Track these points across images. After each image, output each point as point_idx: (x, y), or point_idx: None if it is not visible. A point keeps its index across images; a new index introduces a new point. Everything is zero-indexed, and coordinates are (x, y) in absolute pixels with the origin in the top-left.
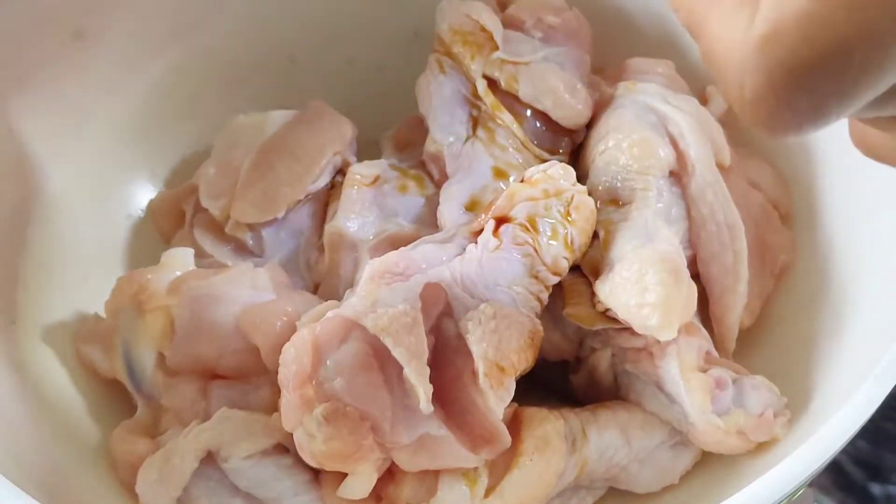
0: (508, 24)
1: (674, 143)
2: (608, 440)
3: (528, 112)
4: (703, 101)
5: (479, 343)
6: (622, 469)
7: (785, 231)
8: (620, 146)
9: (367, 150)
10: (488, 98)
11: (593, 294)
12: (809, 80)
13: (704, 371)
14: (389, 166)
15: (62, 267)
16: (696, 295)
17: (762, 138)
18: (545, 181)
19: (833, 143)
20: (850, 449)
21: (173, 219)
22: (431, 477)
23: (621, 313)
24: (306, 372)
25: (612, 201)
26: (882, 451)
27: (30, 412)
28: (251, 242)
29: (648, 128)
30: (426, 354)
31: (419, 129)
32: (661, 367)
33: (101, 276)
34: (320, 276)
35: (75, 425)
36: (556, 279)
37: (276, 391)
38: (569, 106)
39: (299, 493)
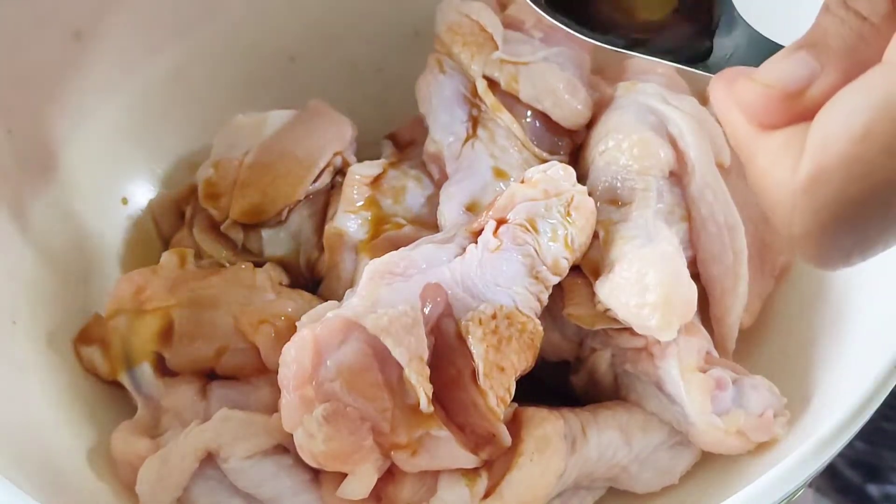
0: (508, 24)
1: (674, 144)
2: (608, 440)
3: (528, 112)
4: (703, 101)
5: (479, 343)
6: (622, 469)
7: None
8: (620, 146)
9: (367, 150)
10: (488, 98)
11: (593, 294)
12: (854, 220)
13: (704, 371)
14: (389, 166)
15: (62, 267)
16: (696, 295)
17: None
18: (545, 182)
19: None
20: (847, 450)
21: (173, 219)
22: (431, 477)
23: (621, 313)
24: (306, 372)
25: (613, 201)
26: (880, 451)
27: (30, 412)
28: (250, 242)
29: (648, 128)
30: (426, 354)
31: (419, 128)
32: (661, 368)
33: (101, 276)
34: (320, 276)
35: (75, 425)
36: (556, 279)
37: (276, 391)
38: (569, 106)
39: (299, 494)
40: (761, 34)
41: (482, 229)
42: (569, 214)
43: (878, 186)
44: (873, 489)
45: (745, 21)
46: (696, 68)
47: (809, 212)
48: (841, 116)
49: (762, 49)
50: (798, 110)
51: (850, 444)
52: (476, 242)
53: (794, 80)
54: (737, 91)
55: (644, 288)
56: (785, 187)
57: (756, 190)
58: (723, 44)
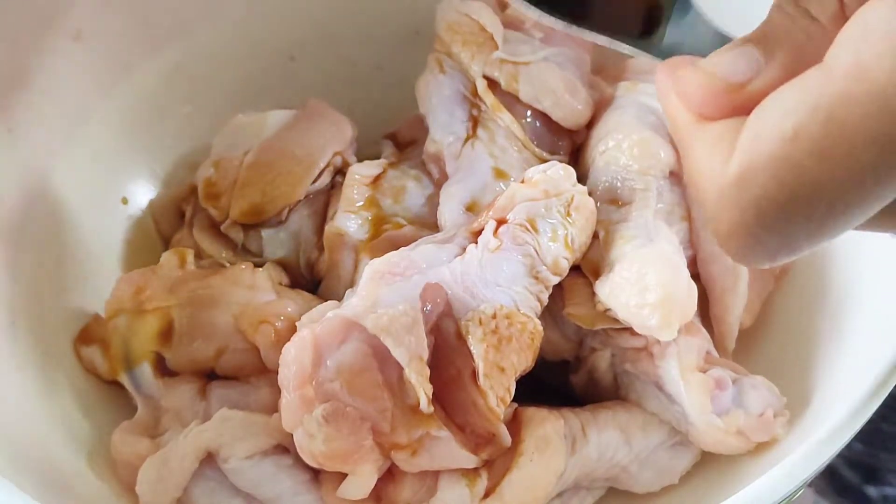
0: (508, 24)
1: (674, 144)
2: (608, 440)
3: (528, 112)
4: None
5: (479, 343)
6: (622, 469)
7: None
8: (621, 146)
9: (367, 150)
10: (488, 98)
11: (593, 294)
12: (779, 220)
13: (704, 371)
14: (389, 166)
15: (62, 267)
16: (696, 295)
17: None
18: (545, 182)
19: None
20: (846, 451)
21: (173, 219)
22: (431, 477)
23: (621, 313)
24: (306, 372)
25: (613, 201)
26: (878, 452)
27: (29, 412)
28: (250, 242)
29: (649, 128)
30: (426, 354)
31: (419, 128)
32: (661, 367)
33: (101, 276)
34: (320, 276)
35: (75, 425)
36: (556, 279)
37: (276, 391)
38: (569, 106)
39: (299, 494)
40: (714, 26)
41: (482, 229)
42: (569, 214)
43: (803, 190)
44: (872, 490)
45: (698, 10)
46: (646, 51)
47: (736, 209)
48: (774, 115)
49: (714, 42)
50: (738, 103)
51: (849, 446)
52: (476, 242)
53: (736, 73)
54: (679, 79)
55: (644, 288)
56: (715, 180)
57: (689, 180)
58: (675, 31)
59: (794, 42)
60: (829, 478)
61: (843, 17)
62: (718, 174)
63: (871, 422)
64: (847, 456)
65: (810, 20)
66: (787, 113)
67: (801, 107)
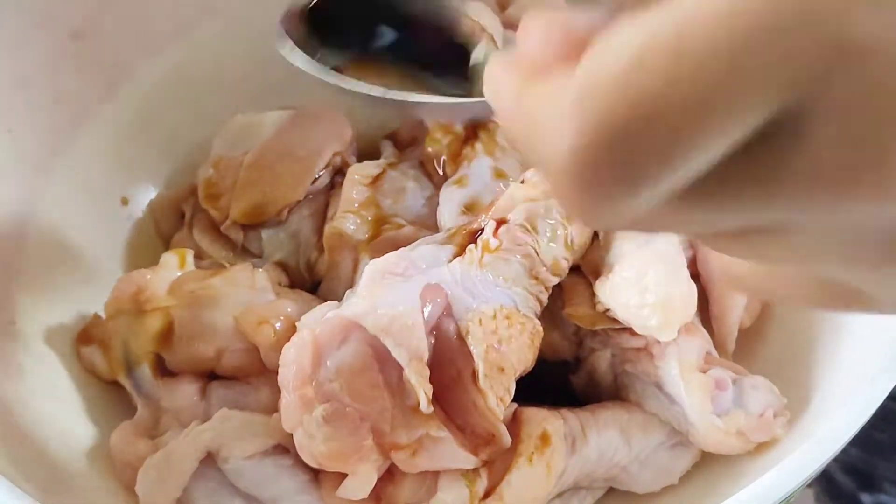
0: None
1: None
2: (608, 440)
3: None
4: None
5: (479, 344)
6: (622, 469)
7: None
8: None
9: (367, 150)
10: None
11: (593, 294)
12: (620, 152)
13: (704, 371)
14: (389, 166)
15: (62, 267)
16: (696, 295)
17: None
18: (545, 182)
19: None
20: (842, 457)
21: (173, 219)
22: (431, 477)
23: (621, 313)
24: (306, 372)
25: None
26: (874, 460)
27: (30, 412)
28: (250, 243)
29: None
30: (426, 355)
31: (419, 128)
32: (661, 368)
33: (101, 277)
34: (320, 276)
35: (75, 425)
36: (555, 280)
37: (276, 391)
38: None
39: (299, 494)
40: None
41: (482, 230)
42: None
43: (647, 109)
44: (867, 498)
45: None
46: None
47: (574, 136)
48: (621, 36)
49: None
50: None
51: (845, 451)
52: (476, 243)
53: (581, 20)
54: (521, 36)
55: (644, 288)
56: (552, 121)
57: (522, 145)
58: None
59: None
60: (825, 483)
61: None
62: (556, 115)
63: (865, 429)
64: (843, 462)
65: None
66: (634, 33)
67: (650, 27)
